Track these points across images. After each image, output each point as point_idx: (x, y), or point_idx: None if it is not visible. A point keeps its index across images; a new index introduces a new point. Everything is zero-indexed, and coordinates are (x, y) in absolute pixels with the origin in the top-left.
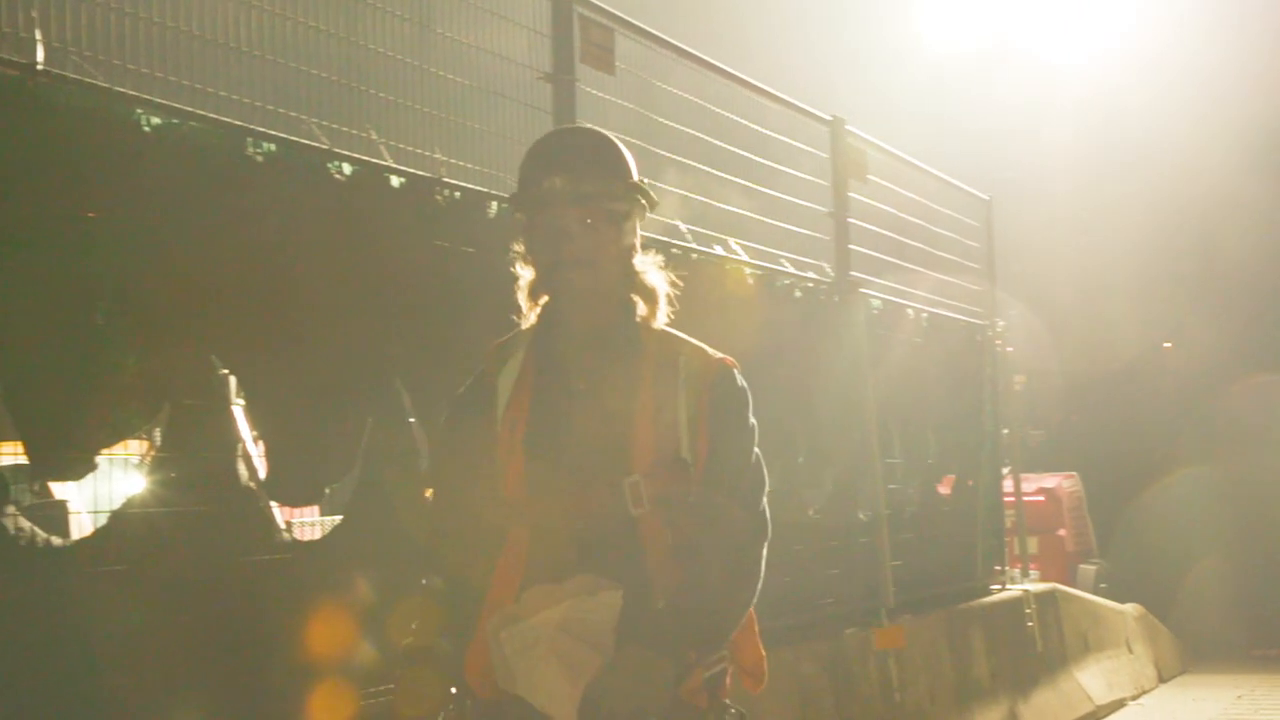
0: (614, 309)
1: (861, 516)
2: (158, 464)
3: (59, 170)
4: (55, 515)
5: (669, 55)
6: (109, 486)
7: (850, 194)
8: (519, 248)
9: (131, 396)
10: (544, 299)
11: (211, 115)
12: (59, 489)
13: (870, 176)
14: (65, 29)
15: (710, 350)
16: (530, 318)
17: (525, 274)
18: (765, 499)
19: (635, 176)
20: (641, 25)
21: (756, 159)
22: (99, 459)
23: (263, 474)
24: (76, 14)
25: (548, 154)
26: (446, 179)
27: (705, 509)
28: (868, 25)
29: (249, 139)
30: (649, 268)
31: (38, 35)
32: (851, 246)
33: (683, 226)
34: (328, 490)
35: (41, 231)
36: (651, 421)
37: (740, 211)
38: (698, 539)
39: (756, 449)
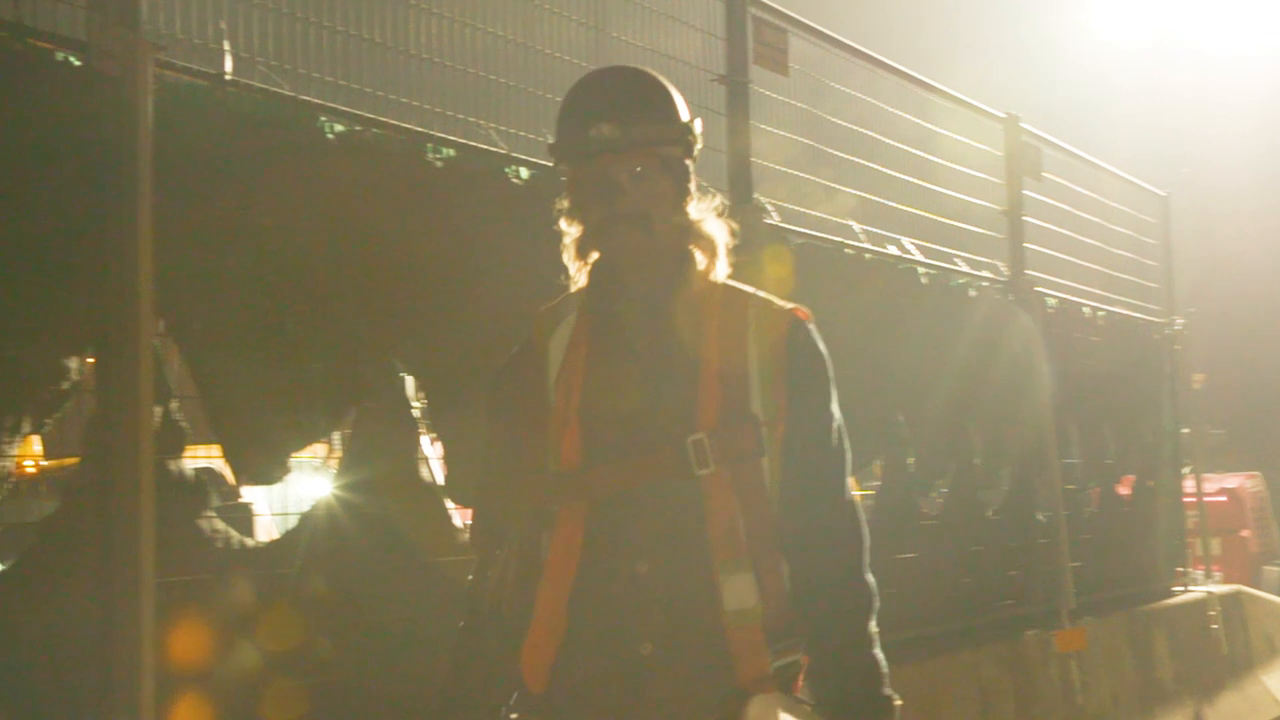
0: (671, 262)
1: (1040, 517)
2: (342, 467)
3: (248, 178)
4: (242, 517)
5: (841, 55)
6: (294, 490)
7: (1024, 191)
8: (563, 203)
9: (320, 400)
10: (594, 257)
11: (392, 121)
12: (247, 492)
13: (1044, 174)
14: (252, 39)
15: (779, 300)
16: (579, 279)
17: (571, 231)
18: (850, 481)
19: (685, 115)
20: (814, 25)
21: (929, 157)
22: (290, 462)
23: (441, 476)
24: (263, 24)
25: (590, 99)
26: None
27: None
28: (1036, 21)
29: (429, 144)
30: (706, 215)
31: (226, 46)
32: (1026, 245)
33: (856, 227)
34: None
35: (232, 238)
36: (718, 376)
37: (913, 210)
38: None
39: (838, 413)
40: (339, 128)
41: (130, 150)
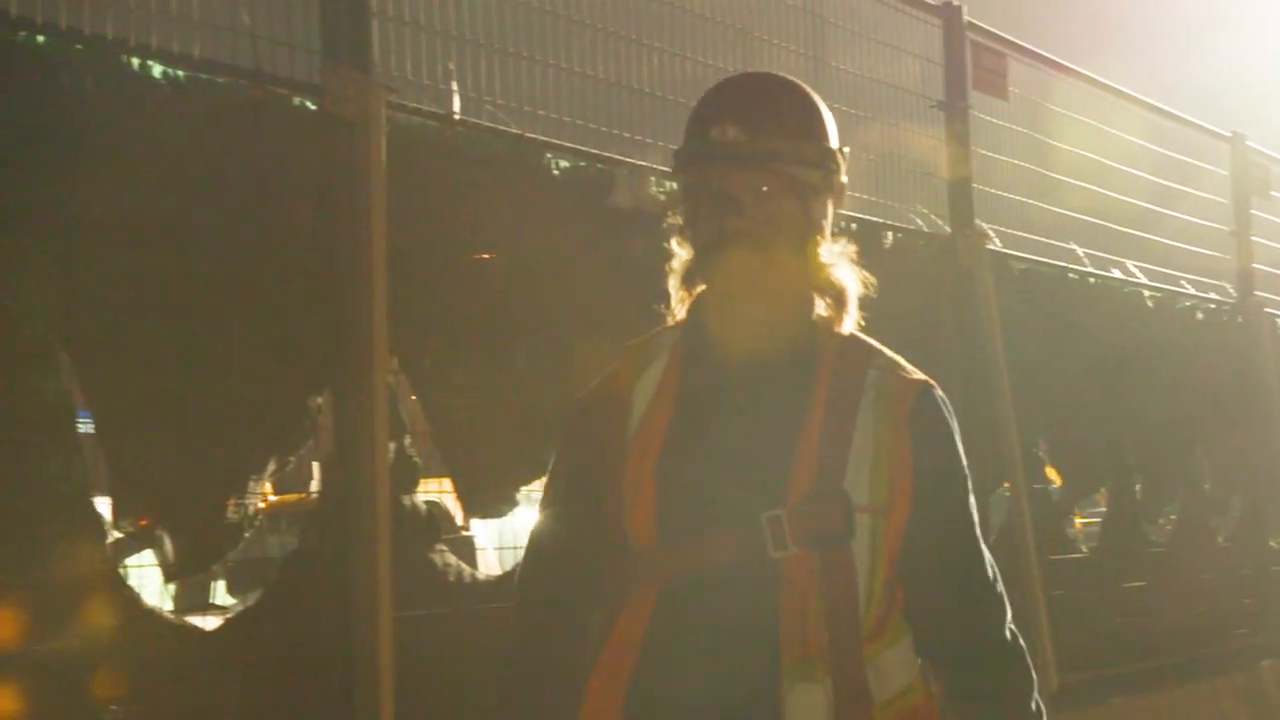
0: (788, 305)
1: (1274, 544)
2: None
3: (476, 215)
4: (466, 551)
5: (1061, 77)
6: (518, 523)
7: (1252, 211)
8: (676, 219)
9: (549, 434)
10: (700, 287)
11: (616, 156)
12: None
13: (1272, 193)
14: (479, 78)
15: (907, 366)
16: (679, 311)
17: (679, 253)
18: (991, 562)
19: (834, 141)
20: (1032, 48)
21: (1152, 178)
22: (519, 496)
23: None
24: (490, 63)
25: (721, 100)
26: (844, 211)
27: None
28: (1264, 38)
29: (652, 178)
30: (838, 260)
31: (454, 86)
32: (1256, 265)
33: (1079, 250)
34: None
35: (461, 274)
36: (816, 445)
37: (1137, 233)
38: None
39: (972, 498)
40: (564, 164)
41: (364, 190)
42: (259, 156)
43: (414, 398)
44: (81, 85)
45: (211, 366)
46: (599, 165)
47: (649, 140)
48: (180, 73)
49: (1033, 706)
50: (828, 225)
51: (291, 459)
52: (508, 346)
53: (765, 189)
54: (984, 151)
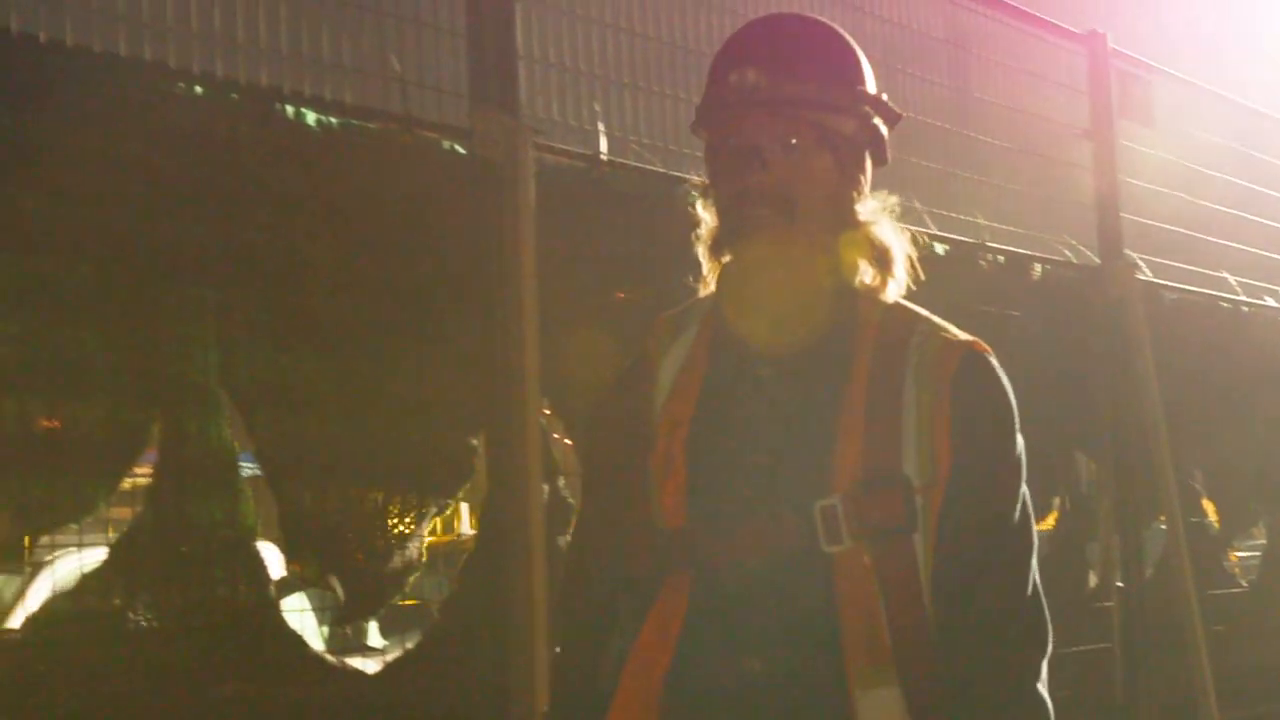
0: (822, 270)
1: None
2: None
3: (623, 254)
4: None
5: (1207, 102)
6: None
7: None
8: (700, 180)
9: None
10: (728, 256)
11: None
12: None
13: None
14: (625, 118)
15: (953, 329)
16: (710, 281)
17: (706, 218)
18: (1036, 575)
19: (871, 86)
20: (1178, 74)
21: None
22: None
23: None
24: (635, 103)
25: (740, 43)
26: (990, 243)
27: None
28: None
29: None
30: (880, 218)
31: (601, 127)
32: None
33: (1231, 279)
34: None
35: (610, 315)
36: (862, 423)
37: None
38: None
39: (1022, 479)
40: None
41: (513, 232)
42: (410, 200)
43: (566, 441)
44: (237, 134)
45: (371, 409)
46: None
47: None
48: (333, 119)
49: (1038, 701)
50: (866, 181)
51: (450, 501)
52: None
53: (793, 140)
54: (1131, 180)
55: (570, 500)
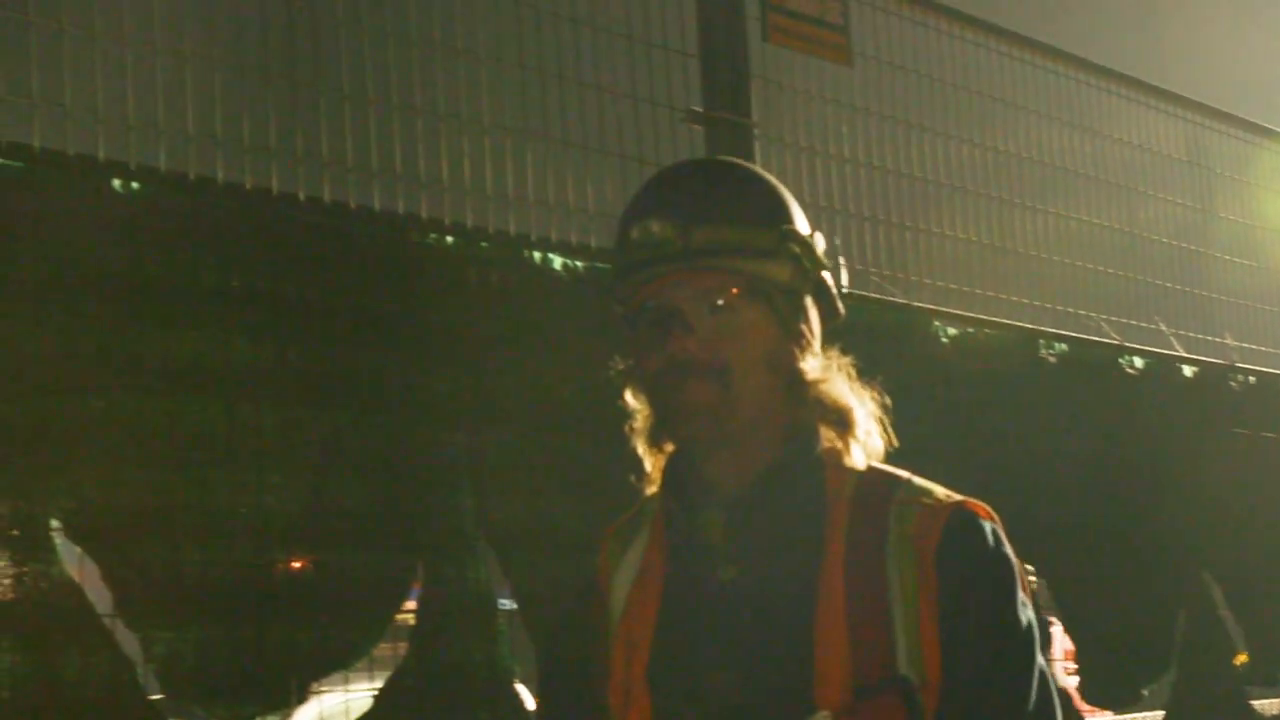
0: (775, 443)
1: None
2: None
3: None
4: None
5: None
6: None
7: None
8: (622, 364)
9: None
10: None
11: (1005, 321)
12: None
13: None
14: (865, 250)
15: (939, 491)
16: (655, 478)
17: (637, 406)
18: None
19: (801, 226)
20: None
21: None
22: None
23: (1074, 680)
24: (874, 235)
25: (645, 194)
26: (1240, 364)
27: None
28: None
29: (1041, 340)
30: (832, 375)
31: (841, 260)
32: None
33: None
34: (1145, 691)
35: None
36: (844, 618)
37: None
38: None
39: (1039, 658)
40: (952, 331)
41: None
42: None
43: None
44: (488, 281)
45: None
46: (987, 330)
47: (1033, 303)
48: (579, 263)
49: None
50: (813, 334)
51: None
52: None
53: (719, 300)
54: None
55: None
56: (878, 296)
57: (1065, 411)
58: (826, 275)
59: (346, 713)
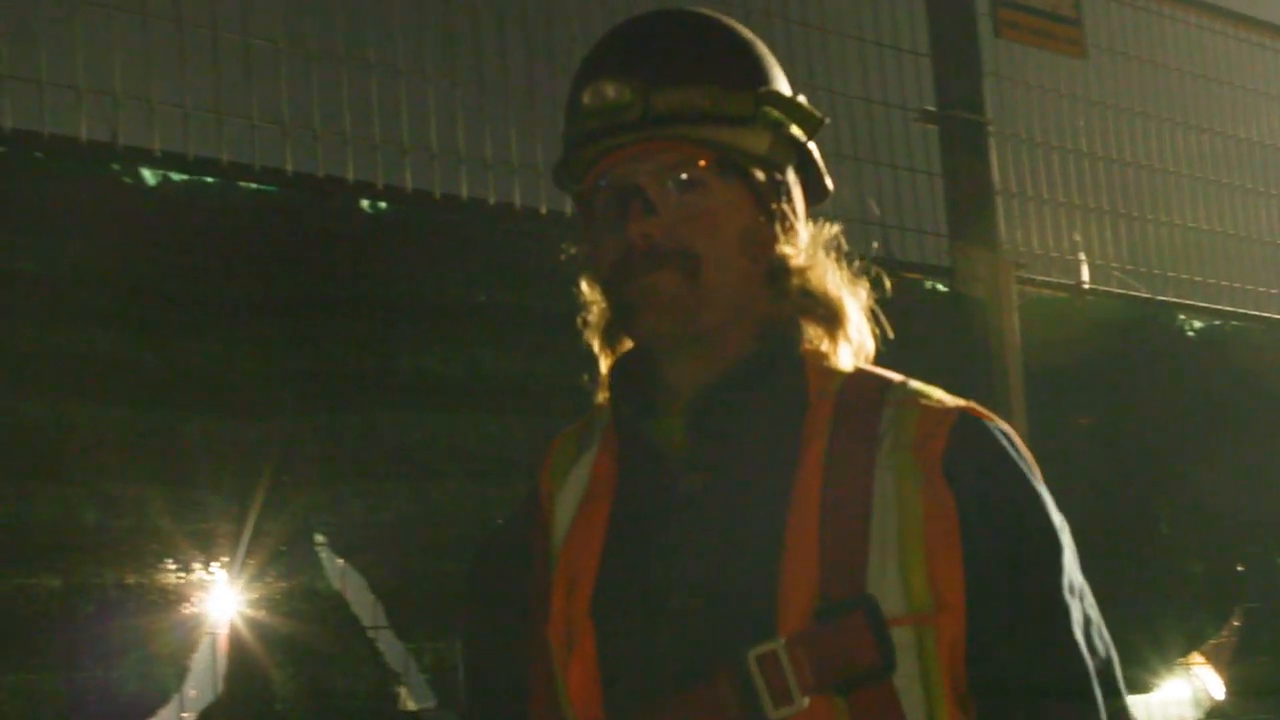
0: (748, 341)
1: None
2: None
3: (1108, 383)
4: None
5: None
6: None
7: None
8: (576, 248)
9: (1204, 603)
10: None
11: (1252, 312)
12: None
13: None
14: (1106, 246)
15: (938, 392)
16: (607, 380)
17: (593, 298)
18: (1122, 685)
19: (779, 85)
20: None
21: None
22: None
23: None
24: (1115, 230)
25: (600, 52)
26: None
27: None
28: None
29: None
30: (819, 261)
31: (1082, 257)
32: None
33: None
34: None
35: (1101, 443)
36: (815, 533)
37: None
38: None
39: (1079, 579)
40: (1198, 324)
41: (1001, 366)
42: (898, 341)
43: None
44: None
45: None
46: (1234, 323)
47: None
48: None
49: None
50: (796, 214)
51: None
52: (1152, 513)
53: (684, 174)
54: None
55: None
56: (1121, 292)
57: None
58: (812, 146)
59: None
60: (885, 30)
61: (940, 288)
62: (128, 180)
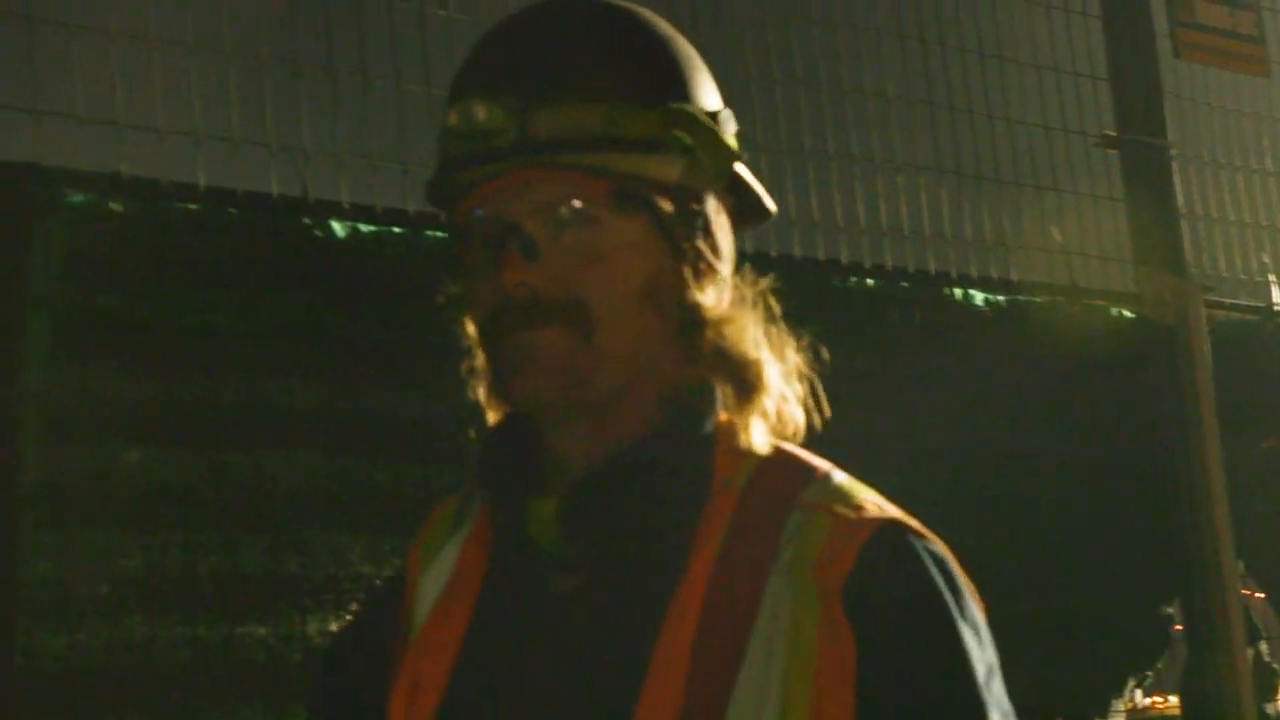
0: (651, 407)
1: None
2: None
3: None
4: None
5: None
6: None
7: None
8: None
9: None
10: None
11: None
12: None
13: None
14: None
15: (864, 496)
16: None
17: (477, 350)
18: None
19: (706, 100)
20: None
21: None
22: None
23: None
24: None
25: (476, 55)
26: None
27: None
28: None
29: None
30: (743, 313)
31: (1271, 278)
32: None
33: None
34: None
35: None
36: (687, 653)
37: None
38: None
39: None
40: None
41: (1192, 392)
42: (1084, 370)
43: (1261, 596)
44: (911, 319)
45: (1056, 580)
46: None
47: None
48: (1000, 298)
49: None
50: (718, 255)
51: (1149, 673)
52: None
53: (577, 204)
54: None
55: (1276, 666)
56: None
57: None
58: (740, 167)
59: None
60: (1063, 55)
61: (1126, 314)
62: (319, 234)
